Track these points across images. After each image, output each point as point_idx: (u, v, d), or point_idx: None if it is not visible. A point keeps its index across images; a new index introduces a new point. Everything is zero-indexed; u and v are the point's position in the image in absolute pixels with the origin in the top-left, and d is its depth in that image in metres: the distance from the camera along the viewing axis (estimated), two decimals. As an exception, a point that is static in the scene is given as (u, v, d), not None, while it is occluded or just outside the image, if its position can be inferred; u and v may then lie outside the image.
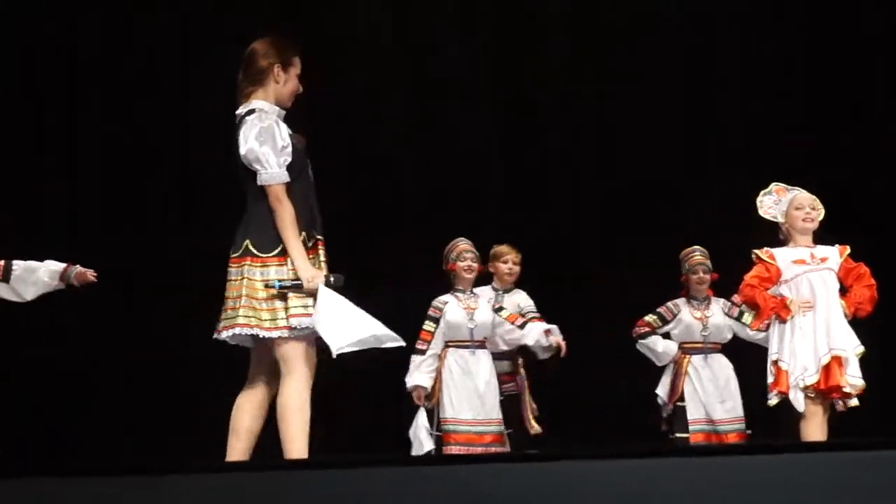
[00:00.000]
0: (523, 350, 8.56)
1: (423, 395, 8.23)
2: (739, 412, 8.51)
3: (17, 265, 6.96)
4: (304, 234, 5.59)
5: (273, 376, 5.70)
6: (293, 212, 5.55)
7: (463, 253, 8.39)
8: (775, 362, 7.44)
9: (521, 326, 8.35)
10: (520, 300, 8.68)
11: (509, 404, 8.51)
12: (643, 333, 8.63)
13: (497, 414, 8.28)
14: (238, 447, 5.71)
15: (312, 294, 5.52)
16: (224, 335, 5.65)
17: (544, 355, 8.40)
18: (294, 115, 5.79)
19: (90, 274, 6.85)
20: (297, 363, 5.59)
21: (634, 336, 8.64)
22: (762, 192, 7.63)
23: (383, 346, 5.66)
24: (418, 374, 8.23)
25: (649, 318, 8.63)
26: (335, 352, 5.51)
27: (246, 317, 5.56)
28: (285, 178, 5.56)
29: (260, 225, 5.59)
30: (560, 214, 10.10)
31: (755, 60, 10.12)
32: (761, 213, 7.60)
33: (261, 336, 5.56)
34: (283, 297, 5.52)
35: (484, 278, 8.66)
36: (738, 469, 4.46)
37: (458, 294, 8.39)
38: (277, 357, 5.62)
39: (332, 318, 5.52)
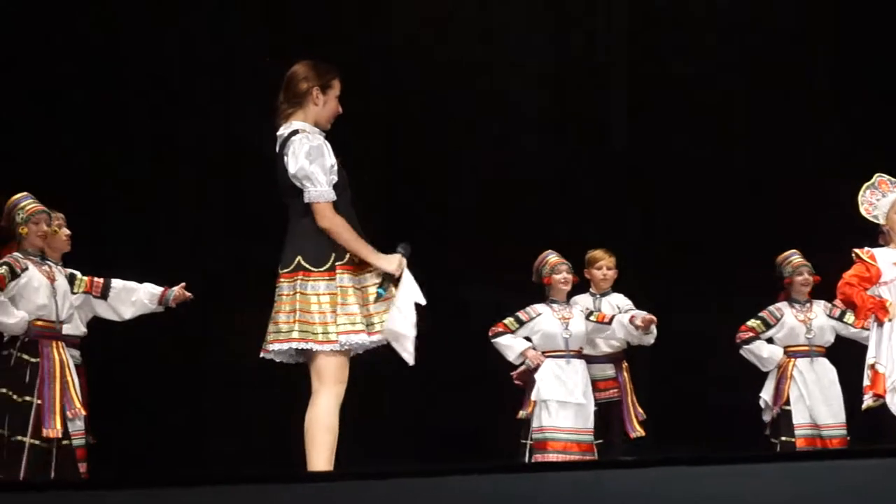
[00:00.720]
0: (628, 352, 8.61)
1: (533, 352, 8.30)
2: (842, 417, 8.41)
3: (116, 284, 7.08)
4: (338, 252, 5.62)
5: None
6: (343, 220, 5.62)
7: (557, 265, 8.44)
8: (872, 366, 7.34)
9: (610, 322, 8.40)
10: (618, 301, 8.68)
11: (610, 410, 8.52)
12: (747, 339, 8.53)
13: (591, 423, 8.30)
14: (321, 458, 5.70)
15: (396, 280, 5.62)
16: (275, 347, 5.66)
17: (646, 340, 8.43)
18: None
19: (187, 294, 7.05)
20: (331, 379, 5.63)
21: (738, 342, 8.55)
22: (865, 185, 7.51)
23: (400, 349, 5.69)
24: (517, 342, 8.30)
25: (752, 322, 8.55)
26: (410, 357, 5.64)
27: (302, 332, 5.58)
28: (332, 196, 5.62)
29: (310, 240, 5.63)
30: (669, 215, 10.01)
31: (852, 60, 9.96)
32: (862, 210, 7.48)
33: (314, 350, 5.59)
34: (334, 313, 5.55)
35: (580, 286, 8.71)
36: (840, 473, 4.38)
37: (554, 305, 8.44)
38: (312, 370, 5.65)
39: (408, 310, 5.63)
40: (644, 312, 8.41)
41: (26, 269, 6.89)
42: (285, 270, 5.64)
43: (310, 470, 5.57)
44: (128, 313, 7.20)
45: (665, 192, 9.98)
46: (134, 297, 7.18)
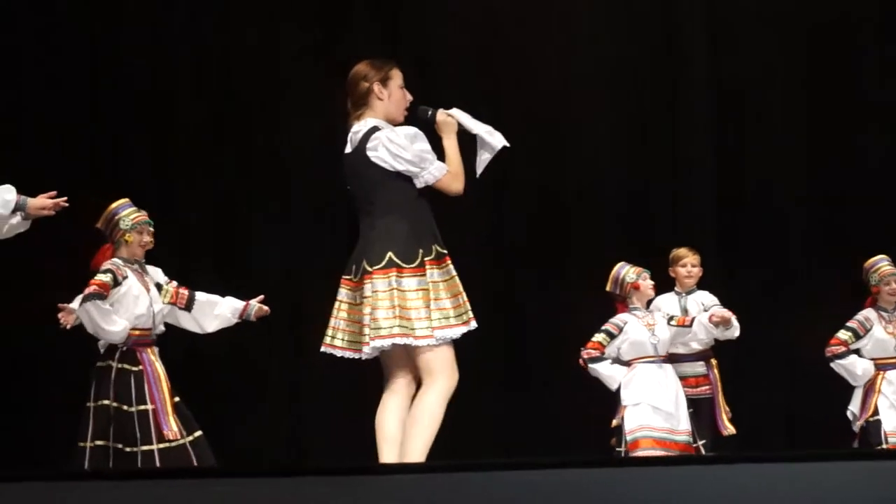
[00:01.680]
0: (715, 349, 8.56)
1: None
2: None
3: (200, 297, 7.15)
4: (435, 247, 5.73)
5: (415, 381, 5.81)
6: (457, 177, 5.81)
7: (643, 273, 8.38)
8: None
9: (691, 324, 8.37)
10: (703, 299, 8.59)
11: (700, 407, 8.46)
12: (840, 353, 8.36)
13: (687, 425, 8.23)
14: (391, 452, 5.76)
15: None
16: (376, 344, 5.69)
17: (730, 334, 8.35)
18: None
19: (266, 309, 7.15)
20: (439, 373, 5.71)
21: (830, 355, 8.37)
22: None
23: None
24: (616, 371, 8.25)
25: (843, 335, 8.36)
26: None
27: (402, 328, 5.63)
28: (442, 167, 5.77)
29: (399, 238, 5.70)
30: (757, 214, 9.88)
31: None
32: None
33: (412, 345, 5.66)
34: (428, 308, 5.64)
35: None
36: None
37: (637, 312, 8.38)
38: (420, 365, 5.73)
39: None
40: (722, 309, 8.34)
41: (126, 277, 6.91)
42: (377, 267, 5.67)
43: (403, 459, 5.64)
44: (211, 326, 7.21)
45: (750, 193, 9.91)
46: (217, 311, 7.18)
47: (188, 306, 7.15)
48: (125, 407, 6.80)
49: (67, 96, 9.27)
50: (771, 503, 4.29)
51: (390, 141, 5.68)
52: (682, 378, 8.42)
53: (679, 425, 8.18)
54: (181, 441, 6.82)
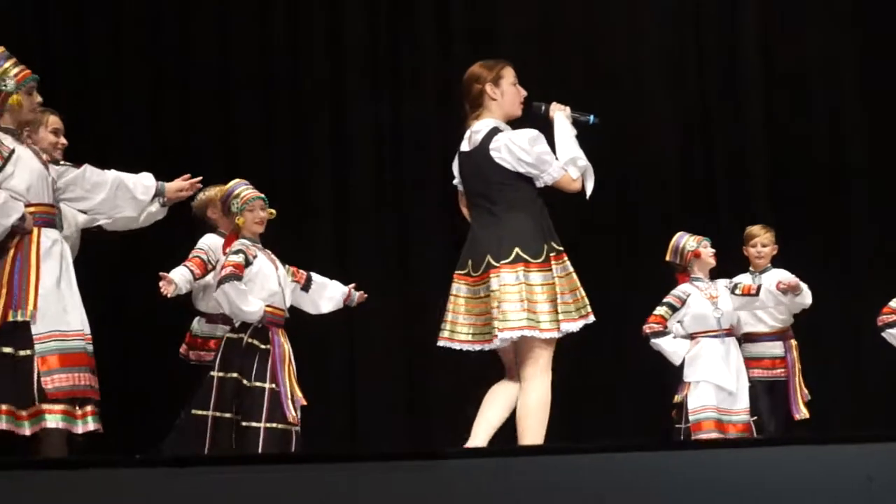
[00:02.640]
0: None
1: None
2: None
3: (316, 278, 7.26)
4: (555, 244, 5.89)
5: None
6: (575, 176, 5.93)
7: (703, 240, 8.27)
8: None
9: (757, 292, 8.27)
10: (779, 276, 8.41)
11: (774, 389, 8.44)
12: (890, 322, 8.26)
13: (746, 403, 8.13)
14: (484, 433, 5.94)
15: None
16: (504, 335, 5.82)
17: (801, 302, 8.30)
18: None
19: (364, 295, 7.34)
20: (545, 365, 5.88)
21: (881, 324, 8.26)
22: None
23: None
24: (680, 346, 8.16)
25: (895, 303, 8.28)
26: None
27: (529, 319, 5.79)
28: (560, 170, 5.91)
29: (526, 233, 5.86)
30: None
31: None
32: None
33: (538, 338, 5.81)
34: (554, 302, 5.81)
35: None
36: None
37: (699, 283, 8.25)
38: (531, 356, 5.87)
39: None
40: (789, 277, 8.27)
41: (256, 256, 6.94)
42: (505, 262, 5.81)
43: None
44: (326, 308, 7.31)
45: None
46: (329, 293, 7.28)
47: (306, 286, 7.23)
48: (245, 381, 6.82)
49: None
50: (830, 484, 4.29)
51: (513, 143, 5.86)
52: (758, 359, 8.42)
53: (737, 404, 8.09)
54: (290, 427, 6.83)
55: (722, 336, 8.17)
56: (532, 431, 5.81)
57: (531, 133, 5.91)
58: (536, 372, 5.86)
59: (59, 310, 5.81)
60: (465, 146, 6.01)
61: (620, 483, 4.30)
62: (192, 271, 7.06)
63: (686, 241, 8.26)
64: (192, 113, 9.51)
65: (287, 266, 7.15)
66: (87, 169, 6.06)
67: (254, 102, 9.60)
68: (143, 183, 6.17)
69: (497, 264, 5.81)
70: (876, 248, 9.53)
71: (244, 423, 6.77)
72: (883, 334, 8.25)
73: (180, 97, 9.54)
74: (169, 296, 6.85)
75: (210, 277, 7.14)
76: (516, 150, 5.85)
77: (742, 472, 4.35)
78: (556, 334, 5.81)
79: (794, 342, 8.50)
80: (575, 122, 6.07)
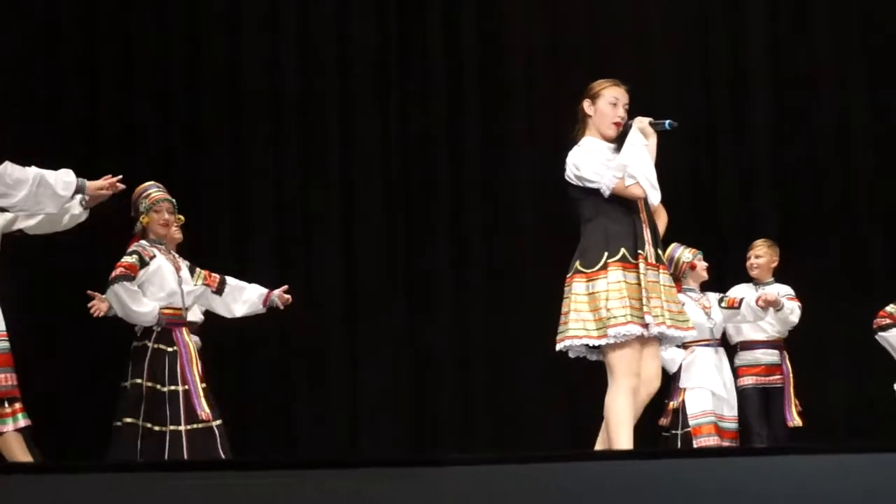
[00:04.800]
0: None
1: None
2: None
3: (231, 281, 7.26)
4: (624, 250, 5.90)
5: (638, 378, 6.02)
6: (627, 184, 5.94)
7: (697, 253, 8.38)
8: None
9: (739, 305, 8.34)
10: (778, 290, 8.46)
11: (771, 397, 8.44)
12: (885, 325, 8.27)
13: (734, 412, 8.24)
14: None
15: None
16: (559, 347, 6.00)
17: (781, 316, 8.30)
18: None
19: (287, 297, 7.16)
20: (618, 371, 5.91)
21: (875, 327, 8.28)
22: None
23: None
24: (675, 353, 8.18)
25: (891, 307, 8.28)
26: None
27: (575, 329, 5.91)
28: (613, 177, 5.93)
29: (587, 244, 5.97)
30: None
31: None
32: None
33: (590, 345, 5.93)
34: (605, 309, 5.85)
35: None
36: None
37: (691, 294, 8.32)
38: (606, 363, 5.97)
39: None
40: (768, 292, 8.28)
41: (154, 256, 6.88)
42: (568, 275, 5.99)
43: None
44: (239, 311, 7.22)
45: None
46: (245, 297, 7.20)
47: (219, 290, 7.15)
48: (158, 386, 6.76)
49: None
50: (823, 495, 4.23)
51: (572, 163, 6.00)
52: (753, 366, 8.45)
53: (728, 412, 8.20)
54: (209, 424, 6.77)
55: (714, 345, 8.30)
56: (612, 439, 5.92)
57: (591, 149, 6.01)
58: (610, 379, 5.95)
59: None
60: None
61: (619, 489, 4.25)
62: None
63: (682, 252, 8.36)
64: (202, 120, 9.48)
65: (199, 270, 7.09)
66: (8, 165, 5.95)
67: (263, 111, 9.58)
68: (64, 179, 6.06)
69: (567, 276, 5.99)
70: (884, 262, 9.48)
71: (158, 428, 6.70)
72: (876, 337, 8.27)
73: (191, 106, 9.51)
74: (100, 315, 6.71)
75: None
76: (573, 167, 5.98)
77: (740, 481, 4.28)
78: (609, 340, 5.84)
79: (786, 353, 8.50)
80: (654, 128, 6.08)
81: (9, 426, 5.78)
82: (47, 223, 6.20)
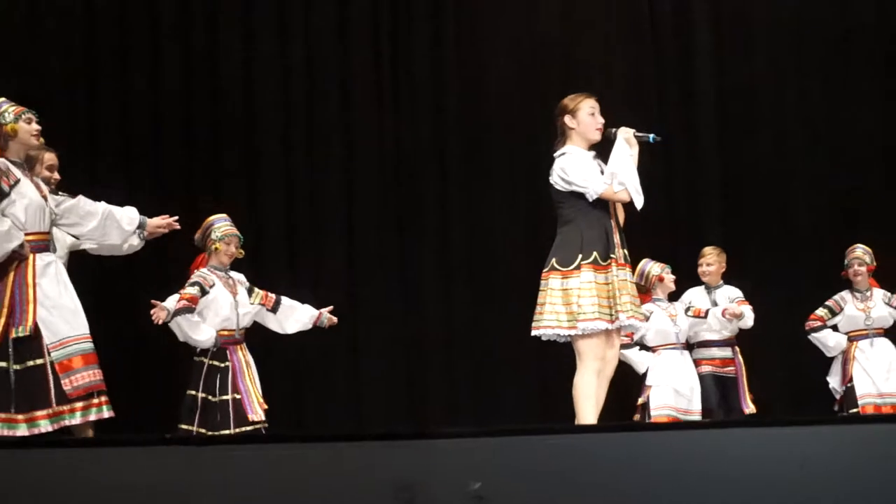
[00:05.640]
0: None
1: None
2: None
3: (285, 301, 7.28)
4: (596, 253, 5.94)
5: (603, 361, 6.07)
6: (615, 188, 5.98)
7: (665, 267, 8.39)
8: None
9: (705, 315, 8.36)
10: (729, 293, 8.52)
11: (727, 386, 8.44)
12: (816, 327, 8.38)
13: (699, 406, 8.25)
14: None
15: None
16: (534, 334, 6.06)
17: (742, 324, 8.32)
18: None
19: (334, 320, 7.27)
20: (585, 356, 5.98)
21: (807, 329, 8.38)
22: None
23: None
24: (643, 357, 8.29)
25: (821, 311, 8.41)
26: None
27: (549, 320, 5.97)
28: (601, 183, 5.98)
29: (563, 244, 6.02)
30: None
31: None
32: None
33: (562, 335, 5.99)
34: (577, 304, 5.90)
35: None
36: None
37: (660, 303, 8.36)
38: (574, 350, 6.02)
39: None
40: (733, 306, 8.30)
41: (213, 285, 6.96)
42: (545, 270, 6.02)
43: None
44: (291, 329, 7.29)
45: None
46: (297, 316, 7.26)
47: (274, 308, 7.20)
48: (210, 397, 6.87)
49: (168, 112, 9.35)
50: (764, 463, 4.29)
51: (562, 167, 6.02)
52: (711, 359, 8.43)
53: (693, 406, 8.20)
54: (257, 426, 6.87)
55: (679, 348, 8.30)
56: (580, 414, 5.99)
57: (578, 158, 6.03)
58: (578, 363, 6.01)
59: (66, 319, 5.80)
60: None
61: (584, 458, 4.29)
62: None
63: (651, 267, 8.36)
64: (222, 138, 9.46)
65: (258, 291, 7.16)
66: (81, 199, 6.06)
67: (273, 128, 9.56)
68: (129, 215, 6.18)
69: (543, 271, 6.04)
70: (820, 264, 9.47)
71: (210, 433, 6.78)
72: (809, 337, 8.35)
73: (211, 124, 9.48)
74: (160, 322, 6.70)
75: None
76: (561, 172, 6.00)
77: (688, 451, 4.34)
78: (575, 332, 5.92)
79: (737, 347, 8.50)
80: (638, 140, 6.11)
81: (92, 416, 5.78)
82: (109, 247, 6.26)
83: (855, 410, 8.18)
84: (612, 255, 5.96)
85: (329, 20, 9.60)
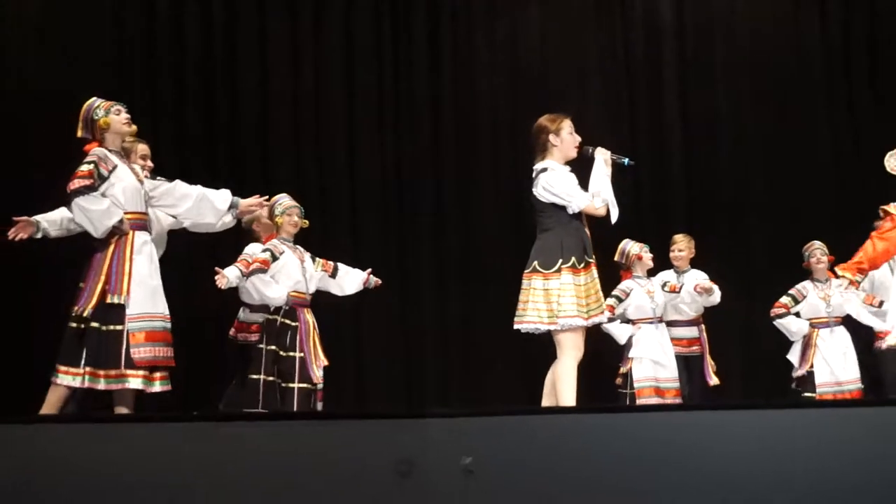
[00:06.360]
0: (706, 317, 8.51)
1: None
2: (857, 374, 8.19)
3: (342, 267, 7.30)
4: (574, 258, 6.01)
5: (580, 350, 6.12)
6: (597, 205, 6.08)
7: (643, 247, 8.36)
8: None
9: (679, 290, 8.33)
10: (696, 277, 8.49)
11: (692, 363, 8.43)
12: (780, 314, 8.34)
13: (675, 374, 8.22)
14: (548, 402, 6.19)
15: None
16: (517, 327, 6.12)
17: (713, 300, 8.30)
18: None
19: (378, 281, 7.35)
20: (565, 347, 6.04)
21: (772, 316, 8.36)
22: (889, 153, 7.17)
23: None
24: (623, 329, 8.26)
25: (785, 299, 8.35)
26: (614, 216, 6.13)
27: (531, 316, 6.04)
28: (587, 199, 6.07)
29: (544, 249, 6.07)
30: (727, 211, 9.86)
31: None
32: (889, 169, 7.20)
33: (542, 329, 6.04)
34: (557, 303, 5.97)
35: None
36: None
37: (640, 281, 8.32)
38: (555, 342, 6.08)
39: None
40: (705, 281, 8.32)
41: (283, 252, 7.02)
42: (527, 271, 6.08)
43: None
44: (350, 290, 7.37)
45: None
46: (351, 278, 7.33)
47: (333, 274, 7.28)
48: (281, 352, 6.91)
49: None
50: (729, 443, 4.36)
51: (547, 181, 6.06)
52: (678, 339, 8.40)
53: (669, 374, 8.17)
54: (315, 385, 6.94)
55: (656, 322, 8.26)
56: (562, 398, 6.01)
57: (563, 175, 6.09)
58: (559, 353, 6.07)
59: (147, 296, 5.92)
60: (534, 177, 6.17)
61: (566, 436, 4.35)
62: (240, 269, 6.96)
63: (631, 246, 8.33)
64: (241, 139, 9.45)
65: (318, 259, 7.23)
66: (178, 183, 6.23)
67: (286, 135, 9.56)
68: (222, 197, 6.30)
69: (526, 271, 6.08)
70: (770, 258, 9.52)
71: (283, 385, 6.86)
72: (774, 323, 8.34)
73: (229, 129, 9.47)
74: (223, 287, 6.77)
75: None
76: (548, 186, 6.04)
77: (664, 430, 4.42)
78: (556, 326, 5.99)
79: (703, 326, 8.50)
80: (613, 163, 6.19)
81: (151, 389, 5.89)
82: (205, 225, 6.36)
83: (813, 395, 8.13)
84: (588, 260, 6.07)
85: (336, 49, 9.62)
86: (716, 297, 8.28)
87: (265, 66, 9.51)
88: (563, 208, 6.05)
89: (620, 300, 8.21)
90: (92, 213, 5.85)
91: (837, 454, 4.28)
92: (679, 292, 8.29)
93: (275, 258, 6.97)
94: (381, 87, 9.64)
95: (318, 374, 6.93)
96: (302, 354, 6.91)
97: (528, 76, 9.79)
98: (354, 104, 9.60)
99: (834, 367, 8.17)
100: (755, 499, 4.23)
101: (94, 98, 6.11)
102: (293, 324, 6.96)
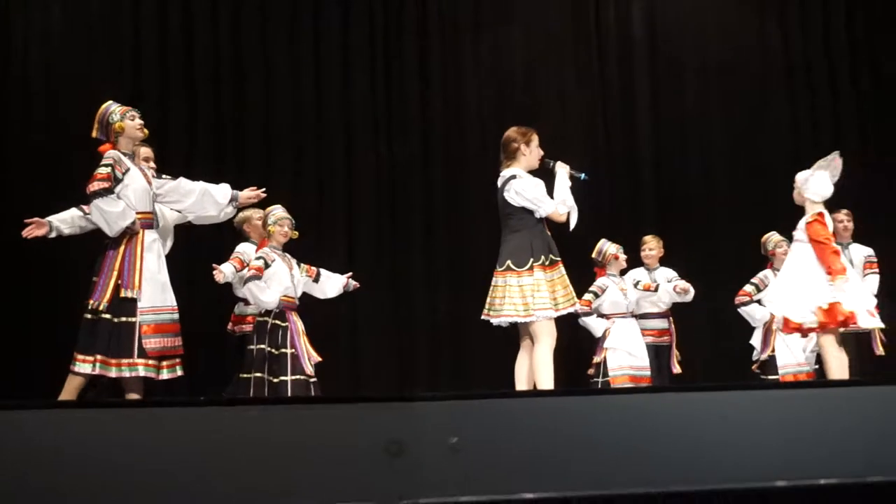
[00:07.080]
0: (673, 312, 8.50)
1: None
2: (813, 358, 8.08)
3: (323, 272, 7.30)
4: (543, 257, 6.07)
5: (531, 344, 6.18)
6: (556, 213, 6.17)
7: (619, 248, 8.36)
8: None
9: (656, 289, 8.35)
10: (666, 274, 8.53)
11: (661, 353, 8.42)
12: (745, 302, 8.27)
13: (646, 363, 8.21)
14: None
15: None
16: (493, 321, 6.20)
17: (687, 298, 8.32)
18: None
19: (356, 284, 7.35)
20: (541, 336, 6.07)
21: (737, 303, 8.27)
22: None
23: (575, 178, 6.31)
24: (600, 322, 8.26)
25: (748, 288, 8.29)
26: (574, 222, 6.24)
27: (508, 311, 6.09)
28: (553, 205, 6.16)
29: (516, 249, 6.11)
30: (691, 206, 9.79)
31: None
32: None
33: (519, 322, 6.11)
34: (532, 297, 6.03)
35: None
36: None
37: (613, 278, 8.32)
38: (531, 332, 6.12)
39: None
40: (683, 282, 8.35)
41: (275, 260, 7.03)
42: (499, 269, 6.14)
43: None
44: (332, 293, 7.38)
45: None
46: (332, 282, 7.35)
47: (316, 279, 7.27)
48: (274, 350, 6.89)
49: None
50: (696, 421, 4.36)
51: (520, 187, 6.13)
52: (650, 330, 8.40)
53: (642, 363, 8.17)
54: (308, 378, 6.91)
55: (629, 317, 8.27)
56: (539, 383, 6.05)
57: (533, 181, 6.16)
58: (536, 342, 6.09)
59: (157, 291, 5.95)
60: (499, 182, 6.22)
61: (544, 417, 4.32)
62: (234, 266, 7.07)
63: (608, 246, 8.35)
64: (248, 149, 9.38)
65: (302, 265, 7.22)
66: (182, 180, 6.26)
67: (288, 142, 9.49)
68: (223, 191, 6.31)
69: (499, 269, 6.14)
70: (735, 256, 9.45)
71: (274, 380, 6.84)
72: (739, 310, 8.26)
73: (236, 141, 9.41)
74: (220, 282, 6.85)
75: (245, 271, 7.11)
76: (521, 191, 6.10)
77: (634, 410, 4.39)
78: (532, 318, 6.04)
79: (671, 319, 8.50)
80: (571, 177, 6.29)
81: (161, 376, 5.93)
82: (208, 218, 6.38)
83: (776, 377, 8.07)
84: (554, 259, 6.12)
85: (334, 64, 9.57)
86: (690, 295, 8.31)
87: (270, 82, 9.46)
88: (532, 212, 6.11)
89: (597, 296, 8.23)
90: (109, 214, 5.89)
91: (796, 430, 4.32)
92: (655, 291, 8.32)
93: (267, 265, 6.98)
94: (375, 97, 9.61)
95: (310, 368, 6.93)
96: (294, 351, 6.91)
97: (511, 86, 9.79)
98: (352, 112, 9.56)
99: (794, 349, 8.11)
100: (722, 470, 4.26)
101: (110, 102, 6.12)
102: (283, 324, 6.96)
